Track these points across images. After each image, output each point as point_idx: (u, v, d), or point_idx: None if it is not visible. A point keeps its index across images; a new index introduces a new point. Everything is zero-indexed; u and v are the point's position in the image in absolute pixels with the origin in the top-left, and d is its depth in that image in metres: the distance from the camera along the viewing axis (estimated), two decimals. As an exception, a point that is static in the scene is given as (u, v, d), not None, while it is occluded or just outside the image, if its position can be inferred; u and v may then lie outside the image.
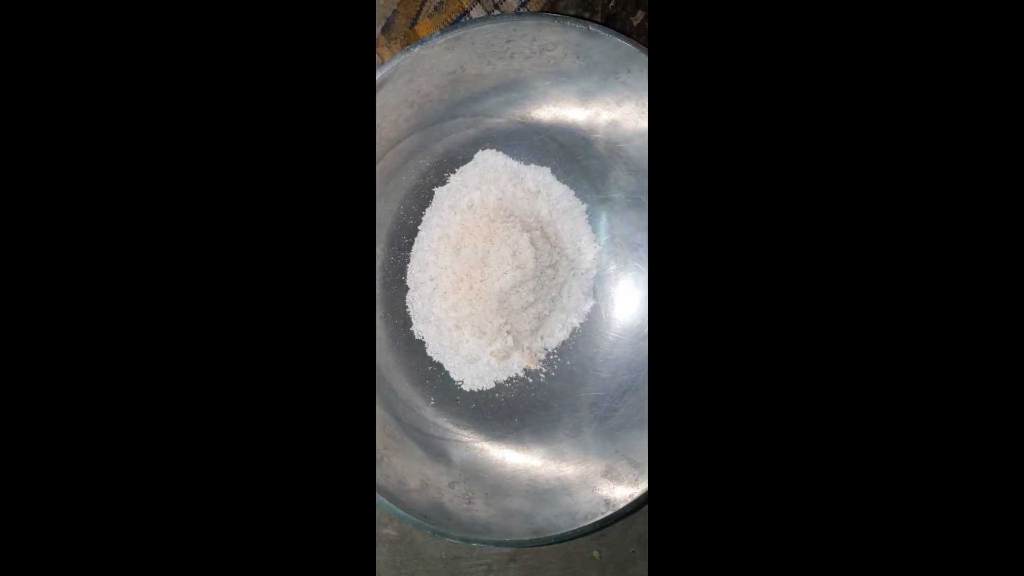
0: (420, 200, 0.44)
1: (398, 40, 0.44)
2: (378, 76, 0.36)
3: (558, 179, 0.44)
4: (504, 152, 0.44)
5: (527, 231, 0.41)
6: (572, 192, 0.44)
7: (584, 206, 0.44)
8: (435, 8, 0.44)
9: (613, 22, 0.43)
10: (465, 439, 0.43)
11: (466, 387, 0.44)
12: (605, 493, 0.39)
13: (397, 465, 0.39)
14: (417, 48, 0.36)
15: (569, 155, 0.44)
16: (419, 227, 0.44)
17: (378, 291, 0.44)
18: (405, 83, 0.38)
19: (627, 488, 0.39)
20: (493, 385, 0.44)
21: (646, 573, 0.46)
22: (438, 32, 0.36)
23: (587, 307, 0.44)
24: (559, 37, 0.37)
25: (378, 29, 0.45)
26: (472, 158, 0.44)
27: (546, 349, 0.44)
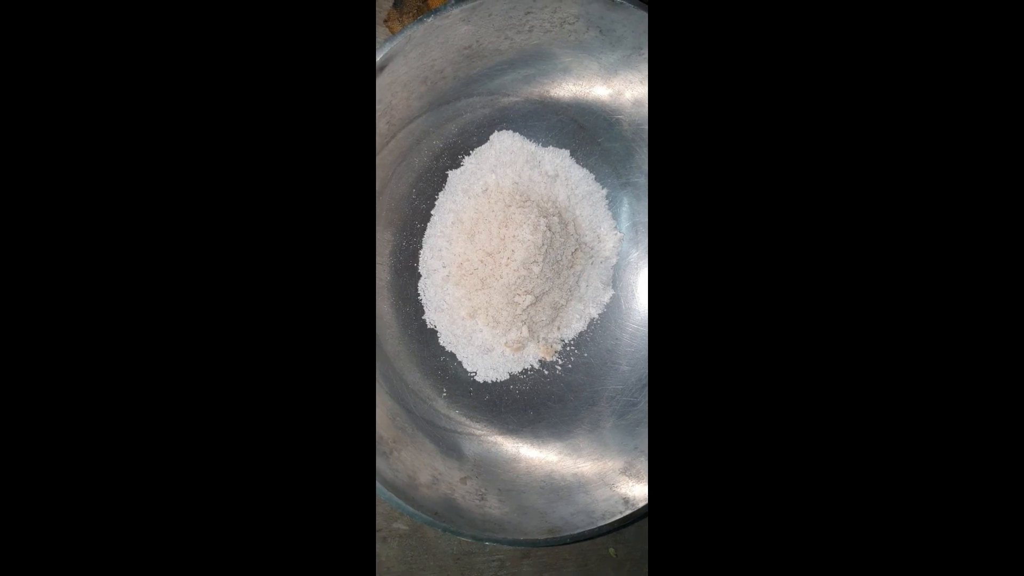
0: (433, 183, 0.42)
1: (410, 14, 0.42)
2: (389, 48, 0.35)
3: (577, 162, 0.42)
4: (521, 133, 0.42)
5: (544, 217, 0.39)
6: (592, 176, 0.42)
7: (604, 191, 0.42)
8: (450, -19, 0.42)
9: (638, -5, 0.41)
10: (478, 432, 0.42)
11: (479, 378, 0.42)
12: (624, 491, 0.37)
13: (407, 459, 0.38)
14: (431, 18, 0.34)
15: (590, 137, 0.42)
16: (432, 212, 0.42)
17: (389, 278, 0.42)
18: (418, 56, 0.36)
19: (647, 486, 0.37)
20: (507, 377, 0.42)
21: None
22: (453, 1, 0.34)
23: (606, 297, 0.43)
24: (581, 9, 0.36)
25: (390, 3, 0.44)
26: (487, 139, 0.42)
27: (563, 340, 0.43)
